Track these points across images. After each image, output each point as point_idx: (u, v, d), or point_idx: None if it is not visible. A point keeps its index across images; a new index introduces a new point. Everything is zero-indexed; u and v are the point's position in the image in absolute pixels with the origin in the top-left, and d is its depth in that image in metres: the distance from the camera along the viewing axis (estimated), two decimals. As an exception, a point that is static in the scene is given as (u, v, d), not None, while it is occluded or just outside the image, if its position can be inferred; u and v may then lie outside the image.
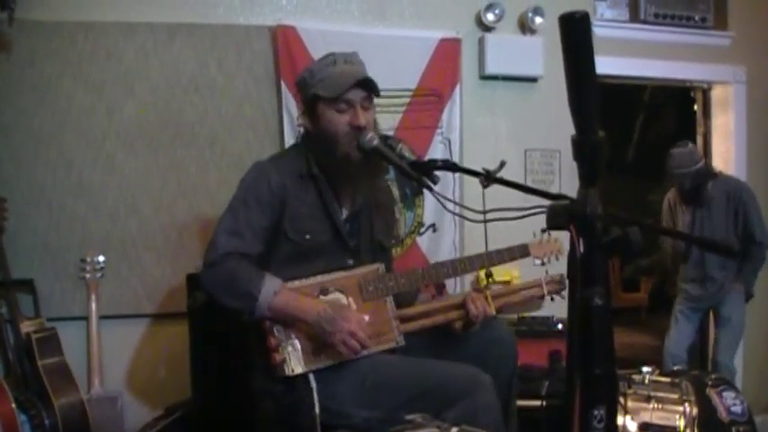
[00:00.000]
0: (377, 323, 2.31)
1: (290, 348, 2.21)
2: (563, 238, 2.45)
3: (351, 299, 2.32)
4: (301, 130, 2.52)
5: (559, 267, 2.59)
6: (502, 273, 3.65)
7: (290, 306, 2.20)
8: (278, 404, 2.28)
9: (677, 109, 8.26)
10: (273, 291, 2.18)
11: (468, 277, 3.90)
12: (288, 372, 2.19)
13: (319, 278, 2.31)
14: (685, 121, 5.03)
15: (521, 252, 2.61)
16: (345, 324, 2.18)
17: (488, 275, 3.61)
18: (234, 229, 2.25)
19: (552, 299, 2.67)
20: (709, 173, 4.40)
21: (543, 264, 2.70)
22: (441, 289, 3.50)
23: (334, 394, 2.21)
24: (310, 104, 2.36)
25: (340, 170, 2.35)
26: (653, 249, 8.64)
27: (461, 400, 2.12)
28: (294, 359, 2.21)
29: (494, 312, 2.48)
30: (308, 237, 2.32)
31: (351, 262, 2.40)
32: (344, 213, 2.42)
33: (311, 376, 2.20)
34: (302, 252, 2.33)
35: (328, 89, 2.29)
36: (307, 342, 2.23)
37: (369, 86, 2.33)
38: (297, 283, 2.27)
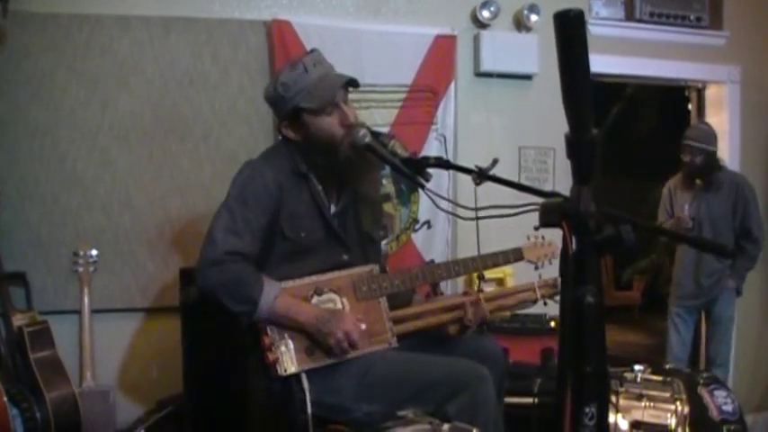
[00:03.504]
0: (370, 323, 2.31)
1: (283, 348, 2.21)
2: (557, 240, 2.46)
3: (344, 299, 2.32)
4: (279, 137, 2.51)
5: (553, 271, 2.61)
6: (494, 270, 3.66)
7: (290, 311, 2.21)
8: (272, 401, 2.28)
9: (660, 106, 8.27)
10: (274, 296, 2.19)
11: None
12: (281, 371, 2.19)
13: (314, 278, 2.31)
14: (670, 119, 5.03)
15: (515, 256, 2.62)
16: (341, 324, 2.20)
17: (480, 276, 3.61)
18: (232, 227, 2.23)
19: (545, 303, 2.67)
20: (718, 161, 4.43)
21: (537, 268, 2.69)
22: (435, 288, 3.50)
23: (334, 389, 2.22)
24: (293, 116, 2.36)
25: (337, 169, 2.36)
26: (649, 249, 8.71)
27: (462, 394, 2.14)
28: (287, 359, 2.21)
29: (488, 315, 2.50)
30: (303, 235, 2.33)
31: (345, 257, 2.40)
32: (332, 209, 2.42)
33: (304, 376, 2.20)
34: (298, 250, 2.33)
35: (314, 100, 2.30)
36: (300, 342, 2.23)
37: (348, 83, 2.35)
38: (291, 283, 2.27)
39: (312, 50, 2.42)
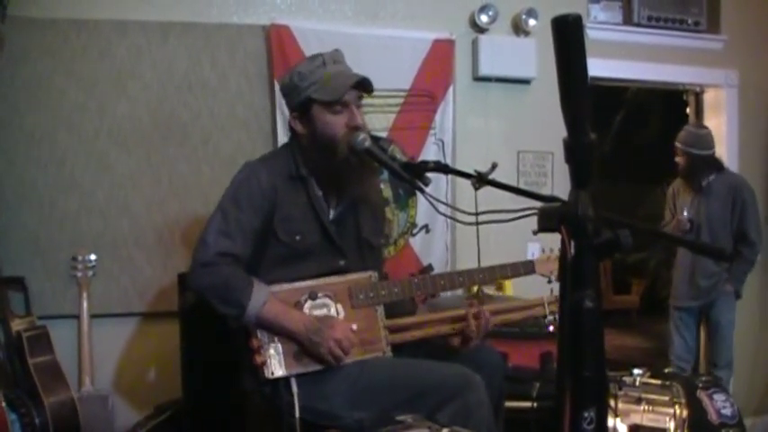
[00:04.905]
0: (365, 331, 2.29)
1: (271, 351, 2.21)
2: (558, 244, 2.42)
3: (339, 305, 2.30)
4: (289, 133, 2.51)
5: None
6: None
7: (278, 318, 2.21)
8: (264, 404, 2.28)
9: (664, 111, 8.28)
10: (263, 301, 2.19)
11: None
12: (268, 374, 2.18)
13: (310, 282, 2.29)
14: (672, 124, 5.04)
15: (525, 269, 2.55)
16: (331, 332, 2.19)
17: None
18: (224, 229, 2.24)
19: (555, 319, 2.63)
20: (716, 164, 4.42)
21: (550, 281, 2.61)
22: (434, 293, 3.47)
23: (325, 395, 2.21)
24: (303, 108, 2.34)
25: (335, 172, 2.35)
26: (642, 248, 8.73)
27: (454, 399, 2.13)
28: (275, 362, 2.20)
29: (491, 329, 2.46)
30: (298, 238, 2.32)
31: (342, 263, 2.39)
32: (331, 213, 2.41)
33: (293, 381, 2.20)
34: (293, 253, 2.33)
35: (326, 92, 2.28)
36: (289, 346, 2.22)
37: (363, 86, 2.33)
38: (287, 286, 2.26)
39: (335, 50, 2.42)
